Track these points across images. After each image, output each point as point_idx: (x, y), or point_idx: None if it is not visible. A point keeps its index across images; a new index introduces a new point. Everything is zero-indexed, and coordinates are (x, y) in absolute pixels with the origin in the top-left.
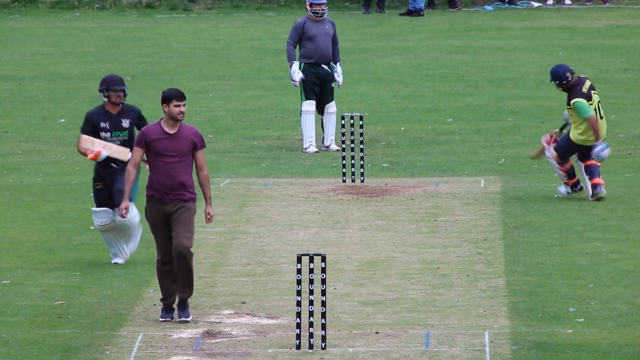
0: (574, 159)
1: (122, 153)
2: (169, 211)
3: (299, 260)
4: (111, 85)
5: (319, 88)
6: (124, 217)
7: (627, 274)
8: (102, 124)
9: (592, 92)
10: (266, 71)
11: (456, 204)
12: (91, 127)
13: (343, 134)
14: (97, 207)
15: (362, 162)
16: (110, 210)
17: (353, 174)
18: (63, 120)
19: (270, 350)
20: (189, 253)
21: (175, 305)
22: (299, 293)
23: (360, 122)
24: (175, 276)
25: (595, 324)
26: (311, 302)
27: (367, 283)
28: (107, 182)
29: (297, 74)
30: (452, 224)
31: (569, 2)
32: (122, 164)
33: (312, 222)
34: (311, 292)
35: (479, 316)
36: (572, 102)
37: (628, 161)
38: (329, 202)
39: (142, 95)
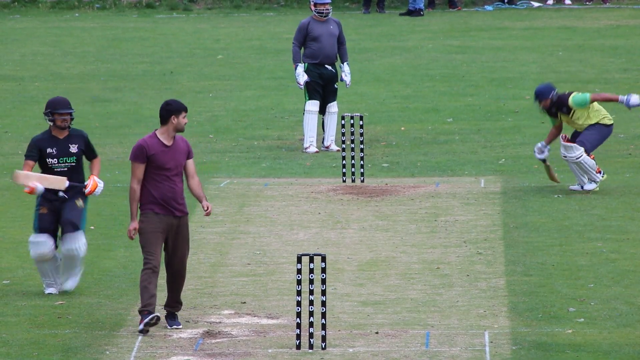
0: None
1: (58, 183)
2: (174, 224)
3: (299, 260)
4: (57, 108)
5: (322, 88)
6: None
7: (627, 274)
8: (49, 150)
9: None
10: (266, 71)
11: (456, 204)
12: (37, 153)
13: (343, 134)
14: (38, 232)
15: (362, 162)
16: (51, 242)
17: (353, 174)
18: None
19: (270, 350)
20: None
21: (165, 317)
22: (299, 293)
23: (360, 122)
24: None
25: (595, 324)
26: (311, 302)
27: (367, 283)
28: (54, 207)
29: (302, 77)
30: (452, 224)
31: (569, 2)
32: (71, 192)
33: (312, 222)
34: (311, 292)
35: (479, 316)
36: (570, 104)
37: (628, 161)
38: (329, 202)
39: (142, 95)
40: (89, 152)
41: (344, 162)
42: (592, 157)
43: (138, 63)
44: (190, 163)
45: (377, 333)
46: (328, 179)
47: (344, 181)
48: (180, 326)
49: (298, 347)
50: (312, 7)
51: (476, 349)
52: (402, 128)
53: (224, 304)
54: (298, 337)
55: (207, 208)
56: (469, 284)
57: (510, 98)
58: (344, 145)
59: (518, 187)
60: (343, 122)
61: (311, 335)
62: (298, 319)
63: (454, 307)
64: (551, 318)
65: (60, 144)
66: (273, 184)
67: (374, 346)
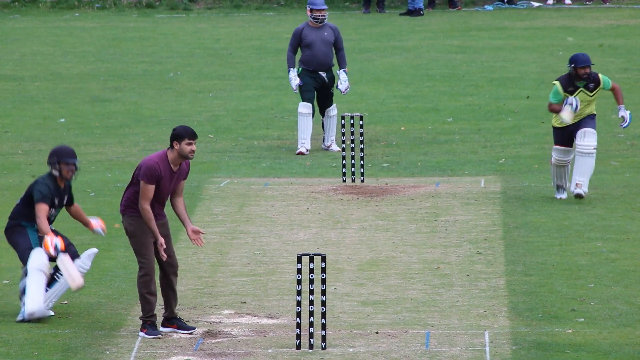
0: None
1: (70, 280)
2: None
3: (299, 260)
4: (64, 157)
5: (316, 91)
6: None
7: (627, 274)
8: (56, 200)
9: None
10: (266, 71)
11: (456, 203)
12: (50, 203)
13: (343, 134)
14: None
15: (362, 162)
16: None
17: (353, 174)
18: (63, 120)
19: (270, 350)
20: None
21: (161, 321)
22: (299, 293)
23: (360, 122)
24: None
25: (595, 324)
26: (311, 302)
27: (367, 283)
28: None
29: (294, 81)
30: (452, 224)
31: (569, 2)
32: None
33: (312, 222)
34: (311, 292)
35: (479, 316)
36: (601, 79)
37: (628, 161)
38: (329, 202)
39: (142, 95)
40: (70, 201)
41: (344, 162)
42: None
43: (138, 63)
44: (182, 183)
45: (377, 333)
46: (328, 179)
47: (344, 181)
48: (195, 328)
49: (298, 347)
50: (309, 13)
51: (476, 349)
52: (402, 128)
53: (224, 304)
54: (298, 337)
55: (197, 233)
56: (469, 284)
57: (510, 98)
58: (344, 145)
59: (518, 187)
60: (343, 122)
61: (311, 335)
62: (298, 318)
63: (454, 307)
64: (551, 318)
65: (61, 195)
66: (273, 183)
67: (374, 346)
